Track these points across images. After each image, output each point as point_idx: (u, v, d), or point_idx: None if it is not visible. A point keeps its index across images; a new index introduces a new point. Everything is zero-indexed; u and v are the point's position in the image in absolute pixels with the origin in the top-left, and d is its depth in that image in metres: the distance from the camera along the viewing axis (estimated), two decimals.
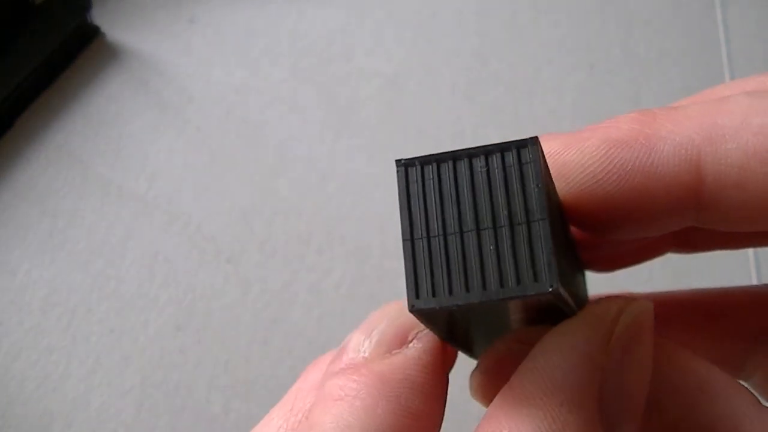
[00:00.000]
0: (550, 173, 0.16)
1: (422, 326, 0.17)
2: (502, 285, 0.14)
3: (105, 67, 0.46)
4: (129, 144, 0.44)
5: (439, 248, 0.15)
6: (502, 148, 0.15)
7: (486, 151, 0.15)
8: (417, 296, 0.14)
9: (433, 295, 0.14)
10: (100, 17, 0.47)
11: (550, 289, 0.14)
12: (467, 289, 0.14)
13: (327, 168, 0.43)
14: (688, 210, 0.17)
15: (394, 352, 0.17)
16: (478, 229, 0.14)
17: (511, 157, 0.14)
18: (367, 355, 0.18)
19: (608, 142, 0.17)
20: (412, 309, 0.15)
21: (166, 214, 0.42)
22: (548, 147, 0.18)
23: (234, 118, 0.45)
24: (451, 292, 0.14)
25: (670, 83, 0.46)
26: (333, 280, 0.40)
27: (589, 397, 0.15)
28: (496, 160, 0.15)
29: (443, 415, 0.17)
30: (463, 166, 0.15)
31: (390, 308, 0.19)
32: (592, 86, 0.46)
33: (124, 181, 0.43)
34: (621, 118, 0.18)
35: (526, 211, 0.14)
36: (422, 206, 0.15)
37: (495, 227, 0.14)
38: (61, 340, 0.39)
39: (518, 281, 0.14)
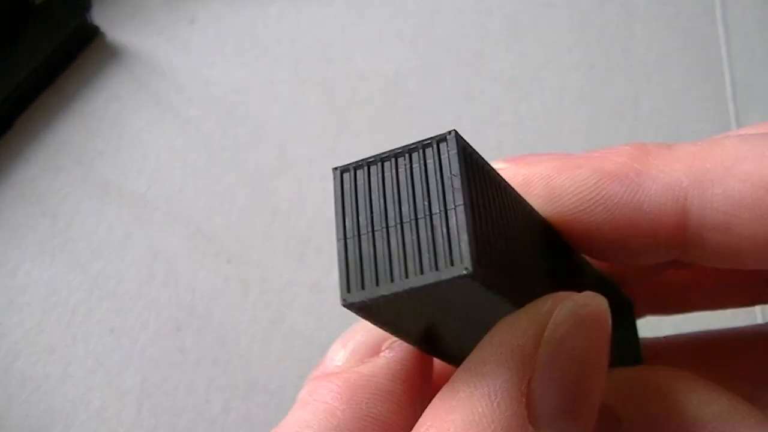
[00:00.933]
0: (487, 169, 0.16)
1: (397, 337, 0.18)
2: (422, 272, 0.14)
3: (105, 67, 0.46)
4: (129, 144, 0.44)
5: (368, 244, 0.15)
6: (424, 144, 0.15)
7: (410, 149, 0.15)
8: (348, 290, 0.15)
9: (362, 287, 0.15)
10: (100, 17, 0.47)
11: (465, 272, 0.14)
12: (392, 280, 0.14)
13: (327, 168, 0.43)
14: (672, 247, 0.18)
15: (365, 361, 0.18)
16: (401, 223, 0.15)
17: (432, 152, 0.15)
18: (340, 364, 0.19)
19: (599, 173, 0.18)
20: (344, 303, 0.15)
21: (166, 214, 0.42)
22: (542, 169, 0.19)
23: (234, 118, 0.45)
24: (378, 283, 0.15)
25: (670, 83, 0.46)
26: (333, 280, 0.40)
27: (515, 392, 0.14)
28: (418, 156, 0.15)
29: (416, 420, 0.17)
30: (390, 166, 0.15)
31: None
32: (592, 86, 0.46)
33: (124, 181, 0.43)
34: (616, 150, 0.18)
35: (444, 200, 0.14)
36: (354, 208, 0.15)
37: (416, 219, 0.15)
38: (61, 340, 0.39)
39: (437, 267, 0.14)
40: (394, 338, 0.18)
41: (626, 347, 0.22)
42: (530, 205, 0.18)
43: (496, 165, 0.19)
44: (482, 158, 0.16)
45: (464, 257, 0.14)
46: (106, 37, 0.47)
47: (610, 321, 0.16)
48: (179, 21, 0.48)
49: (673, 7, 0.48)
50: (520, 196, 0.18)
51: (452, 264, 0.14)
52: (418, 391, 0.18)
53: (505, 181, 0.17)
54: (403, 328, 0.17)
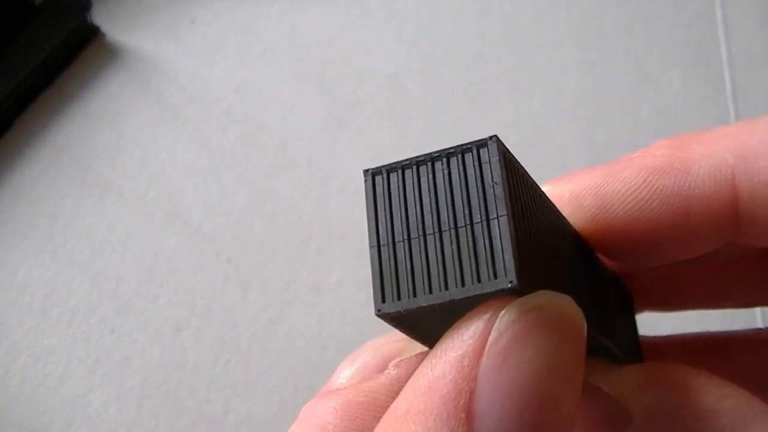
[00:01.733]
0: (524, 175, 0.16)
1: (406, 355, 0.17)
2: (463, 284, 0.14)
3: (105, 67, 0.46)
4: (129, 144, 0.44)
5: (404, 252, 0.15)
6: (463, 149, 0.15)
7: (447, 153, 0.15)
8: (383, 300, 0.15)
9: (398, 298, 0.14)
10: (100, 17, 0.47)
11: (509, 285, 0.13)
12: (430, 291, 0.14)
13: (327, 168, 0.43)
14: (726, 228, 0.18)
15: (368, 378, 0.17)
16: (440, 231, 0.14)
17: (471, 158, 0.15)
18: (344, 382, 0.18)
19: (646, 170, 0.18)
20: (378, 313, 0.15)
21: (166, 214, 0.42)
22: (589, 180, 0.18)
23: (234, 118, 0.45)
24: (415, 294, 0.14)
25: (670, 83, 0.46)
26: (333, 280, 0.40)
27: (451, 409, 0.13)
28: (457, 161, 0.15)
29: None
30: (426, 170, 0.15)
31: (378, 340, 0.19)
32: (592, 86, 0.46)
33: (124, 181, 0.43)
34: (653, 146, 0.18)
35: (486, 209, 0.14)
36: (388, 213, 0.15)
37: (456, 227, 0.14)
38: (61, 340, 0.39)
39: (479, 279, 0.14)
40: (403, 356, 0.18)
41: (627, 343, 0.22)
42: (559, 212, 0.18)
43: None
44: (520, 164, 0.16)
45: (508, 270, 0.13)
46: (106, 37, 0.47)
47: (580, 324, 0.14)
48: (179, 21, 0.48)
49: (673, 7, 0.47)
50: (551, 202, 0.17)
51: (495, 277, 0.13)
52: None
53: (539, 188, 0.17)
54: (432, 334, 0.16)
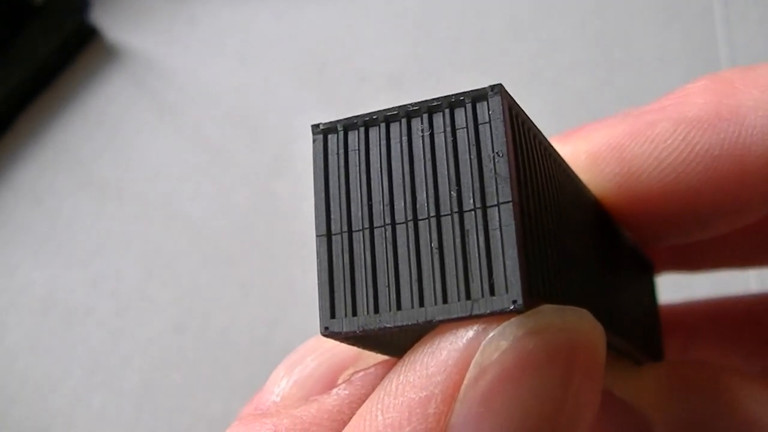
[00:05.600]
0: (537, 136, 0.11)
1: (362, 364, 0.13)
2: (445, 300, 0.10)
3: (104, 67, 0.46)
4: (129, 144, 0.44)
5: (363, 247, 0.11)
6: (452, 102, 0.11)
7: (429, 107, 0.11)
8: (332, 315, 0.11)
9: (353, 313, 0.10)
10: (99, 17, 0.47)
11: (512, 307, 0.09)
12: (398, 306, 0.10)
13: None
14: None
15: (311, 399, 0.13)
16: (415, 220, 0.10)
17: (464, 115, 0.10)
18: (278, 400, 0.13)
19: (685, 123, 0.13)
20: (325, 332, 0.11)
21: (166, 214, 0.42)
22: (610, 138, 0.14)
23: (234, 118, 0.45)
24: (376, 309, 0.10)
25: (670, 83, 0.46)
26: None
27: None
28: (443, 120, 0.11)
29: None
30: (399, 130, 0.11)
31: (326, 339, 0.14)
32: (592, 86, 0.46)
33: (124, 181, 0.43)
34: (690, 89, 0.14)
35: (482, 191, 0.10)
36: (344, 189, 0.11)
37: (438, 216, 0.10)
38: (61, 340, 0.39)
39: (467, 294, 0.10)
40: (359, 365, 0.13)
41: (645, 315, 0.18)
42: (576, 177, 0.14)
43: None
44: (530, 122, 0.11)
45: (511, 285, 0.09)
46: (106, 38, 0.47)
47: (600, 350, 0.10)
48: (179, 21, 0.48)
49: (673, 7, 0.48)
50: (567, 166, 0.13)
51: (492, 293, 0.10)
52: None
53: (553, 149, 0.12)
54: (397, 348, 0.12)
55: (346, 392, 0.12)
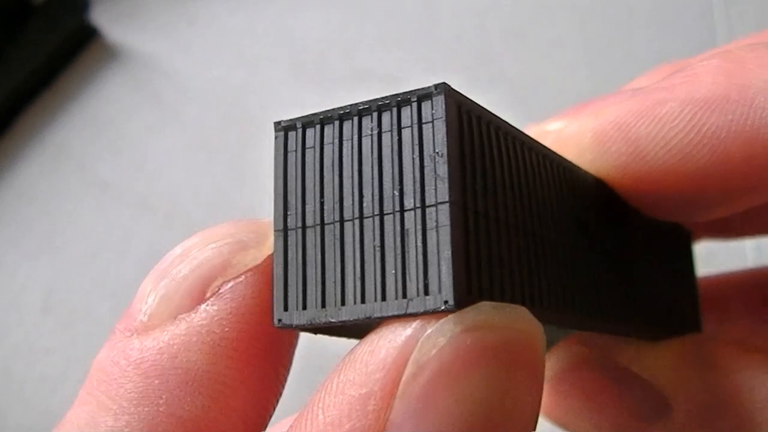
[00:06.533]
0: (503, 132, 0.11)
1: (233, 271, 0.12)
2: (384, 297, 0.10)
3: (104, 67, 0.46)
4: (128, 144, 0.44)
5: (315, 243, 0.11)
6: (399, 101, 0.11)
7: (379, 106, 0.11)
8: (285, 307, 0.11)
9: (304, 307, 0.11)
10: (99, 17, 0.47)
11: (443, 307, 0.10)
12: (342, 302, 0.10)
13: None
14: None
15: (179, 317, 0.12)
16: (361, 218, 0.10)
17: (409, 114, 0.11)
18: (145, 319, 0.12)
19: (693, 104, 0.13)
20: (278, 324, 0.11)
21: (166, 214, 0.42)
22: (616, 117, 0.14)
23: (234, 118, 0.45)
24: (323, 304, 0.11)
25: None
26: None
27: None
28: (391, 118, 0.11)
29: (266, 415, 0.12)
30: (351, 128, 0.11)
31: (195, 240, 0.13)
32: (592, 87, 0.46)
33: (124, 181, 0.43)
34: (699, 68, 0.13)
35: (423, 191, 0.10)
36: (300, 186, 0.11)
37: (381, 214, 0.10)
38: (61, 340, 0.39)
39: (404, 293, 0.10)
40: (230, 273, 0.12)
41: (676, 288, 0.17)
42: (570, 167, 0.14)
43: (551, 125, 0.15)
44: (492, 116, 0.11)
45: (444, 285, 0.10)
46: (106, 38, 0.47)
47: (539, 347, 0.10)
48: (179, 21, 0.48)
49: (673, 7, 0.48)
50: (558, 157, 0.13)
51: (426, 292, 0.10)
52: (257, 369, 0.12)
53: (535, 143, 0.12)
54: (350, 333, 0.13)
55: (215, 308, 0.12)
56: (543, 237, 0.12)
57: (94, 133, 0.45)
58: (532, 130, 0.16)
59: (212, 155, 0.44)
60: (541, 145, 0.12)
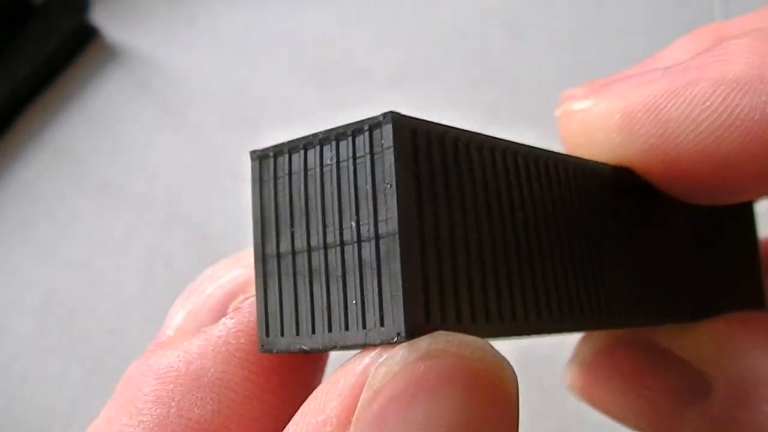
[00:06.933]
0: (475, 151, 0.11)
1: (253, 290, 0.13)
2: (347, 327, 0.10)
3: (104, 67, 0.46)
4: (129, 144, 0.44)
5: (288, 272, 0.11)
6: (354, 129, 0.11)
7: (338, 134, 0.11)
8: (266, 334, 0.11)
9: (281, 333, 0.11)
10: (99, 17, 0.47)
11: (396, 338, 0.10)
12: (312, 330, 0.11)
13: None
14: None
15: (200, 330, 0.13)
16: (326, 248, 0.11)
17: (363, 143, 0.10)
18: (172, 333, 0.13)
19: (725, 84, 0.13)
20: (262, 349, 0.11)
21: (166, 214, 0.42)
22: (645, 97, 0.13)
23: (234, 118, 0.45)
24: (298, 331, 0.11)
25: None
26: None
27: None
28: (347, 147, 0.11)
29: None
30: (315, 156, 0.11)
31: (221, 264, 0.13)
32: (588, 84, 0.46)
33: (123, 181, 0.43)
34: (732, 47, 0.13)
35: (376, 222, 0.10)
36: (274, 214, 0.11)
37: (342, 244, 0.10)
38: (61, 340, 0.39)
39: (363, 324, 0.10)
40: (248, 294, 0.13)
41: (737, 262, 0.16)
42: (575, 160, 0.13)
43: (578, 104, 0.15)
44: (457, 132, 0.11)
45: (397, 317, 0.10)
46: (106, 38, 0.47)
47: (507, 382, 0.10)
48: (178, 21, 0.48)
49: (673, 7, 0.48)
50: (555, 156, 0.13)
51: (382, 324, 0.10)
52: (273, 373, 0.12)
53: (523, 146, 0.12)
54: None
55: (233, 321, 0.12)
56: (531, 244, 0.12)
57: (94, 133, 0.45)
58: (559, 109, 0.16)
59: (212, 155, 0.44)
60: (531, 147, 0.12)
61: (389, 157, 0.10)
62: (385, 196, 0.10)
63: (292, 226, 0.11)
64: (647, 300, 0.14)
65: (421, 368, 0.09)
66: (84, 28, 0.46)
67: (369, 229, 0.10)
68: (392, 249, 0.10)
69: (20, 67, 0.44)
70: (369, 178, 0.10)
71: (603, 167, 0.14)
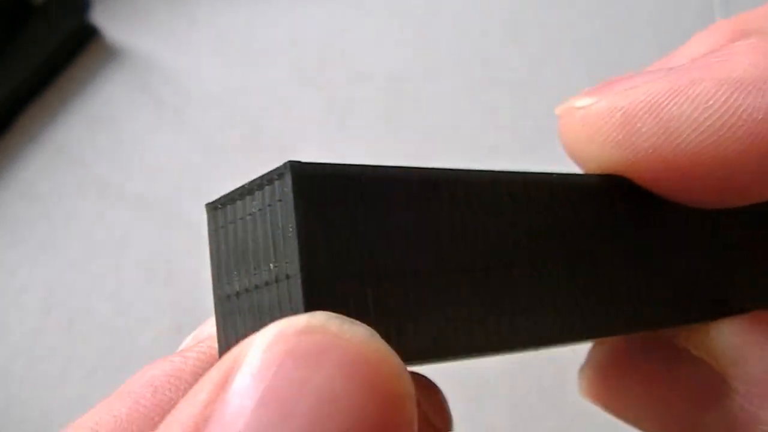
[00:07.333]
0: (377, 185, 0.11)
1: None
2: None
3: (104, 67, 0.46)
4: (129, 144, 0.44)
5: (233, 312, 0.12)
6: (266, 180, 0.11)
7: (258, 184, 0.12)
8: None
9: None
10: (99, 17, 0.47)
11: None
12: None
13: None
14: None
15: (191, 347, 0.14)
16: (255, 289, 0.11)
17: (272, 193, 0.11)
18: (182, 347, 0.14)
19: (728, 84, 0.12)
20: None
21: (166, 214, 0.42)
22: (646, 95, 0.13)
23: (234, 119, 0.45)
24: None
25: None
26: None
27: None
28: (263, 196, 0.11)
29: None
30: (246, 205, 0.12)
31: None
32: (592, 86, 0.46)
33: (123, 181, 0.43)
34: (737, 47, 0.13)
35: (285, 265, 0.11)
36: (225, 258, 0.12)
37: (263, 286, 0.11)
38: (61, 340, 0.39)
39: None
40: None
41: (760, 253, 0.16)
42: (536, 176, 0.13)
43: (580, 101, 0.15)
44: (370, 170, 0.11)
45: None
46: (106, 38, 0.47)
47: (392, 370, 0.10)
48: (179, 21, 0.48)
49: (673, 7, 0.48)
50: (508, 176, 0.13)
51: None
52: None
53: (477, 177, 0.12)
54: None
55: (198, 349, 0.13)
56: (468, 271, 0.12)
57: (94, 133, 0.45)
58: (561, 107, 0.15)
59: (212, 155, 0.44)
60: (471, 172, 0.12)
61: (290, 204, 0.10)
62: (288, 239, 0.10)
63: (236, 269, 0.12)
64: (659, 303, 0.14)
65: (295, 341, 0.09)
66: (84, 28, 0.46)
67: (279, 272, 0.11)
68: (295, 288, 0.10)
69: (20, 67, 0.44)
70: (280, 223, 0.11)
71: (579, 179, 0.14)
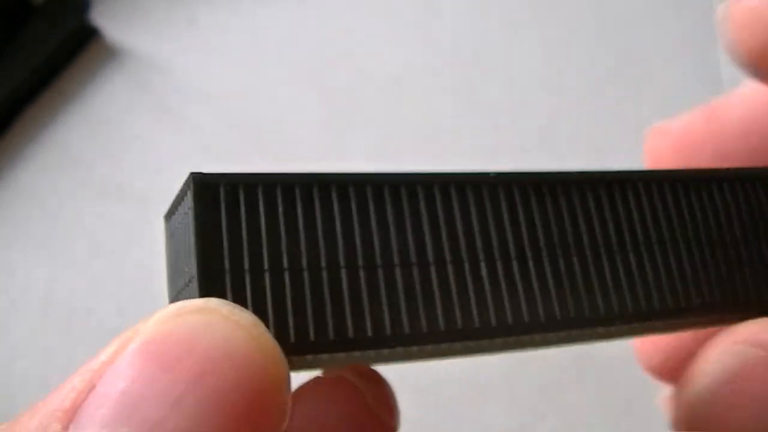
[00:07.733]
0: (287, 191, 0.12)
1: None
2: None
3: (105, 67, 0.46)
4: (129, 144, 0.44)
5: None
6: (184, 191, 0.12)
7: (180, 196, 0.13)
8: None
9: None
10: (99, 17, 0.47)
11: None
12: None
13: (326, 168, 0.43)
14: None
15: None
16: (182, 290, 0.12)
17: (186, 202, 0.12)
18: None
19: None
20: None
21: None
22: None
23: (234, 119, 0.45)
24: None
25: (670, 84, 0.46)
26: None
27: None
28: (184, 206, 0.12)
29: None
30: (178, 215, 0.13)
31: None
32: (592, 86, 0.46)
33: (124, 181, 0.43)
34: None
35: (192, 269, 0.12)
36: (171, 263, 0.14)
37: (184, 288, 0.12)
38: (61, 340, 0.39)
39: None
40: None
41: None
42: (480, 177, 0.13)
43: (747, 1, 0.14)
44: (286, 178, 0.12)
45: None
46: (106, 38, 0.47)
47: (270, 351, 0.10)
48: (179, 21, 0.48)
49: (673, 7, 0.48)
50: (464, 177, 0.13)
51: None
52: None
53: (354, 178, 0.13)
54: None
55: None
56: (362, 267, 0.12)
57: (94, 133, 0.45)
58: (722, 5, 0.16)
59: (212, 155, 0.44)
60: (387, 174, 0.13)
61: (191, 213, 0.11)
62: (191, 245, 0.11)
63: (175, 274, 0.13)
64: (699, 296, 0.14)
65: (190, 317, 0.10)
66: (84, 28, 0.46)
67: (191, 273, 0.11)
68: (193, 290, 0.11)
69: (20, 67, 0.44)
70: (190, 230, 0.11)
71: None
